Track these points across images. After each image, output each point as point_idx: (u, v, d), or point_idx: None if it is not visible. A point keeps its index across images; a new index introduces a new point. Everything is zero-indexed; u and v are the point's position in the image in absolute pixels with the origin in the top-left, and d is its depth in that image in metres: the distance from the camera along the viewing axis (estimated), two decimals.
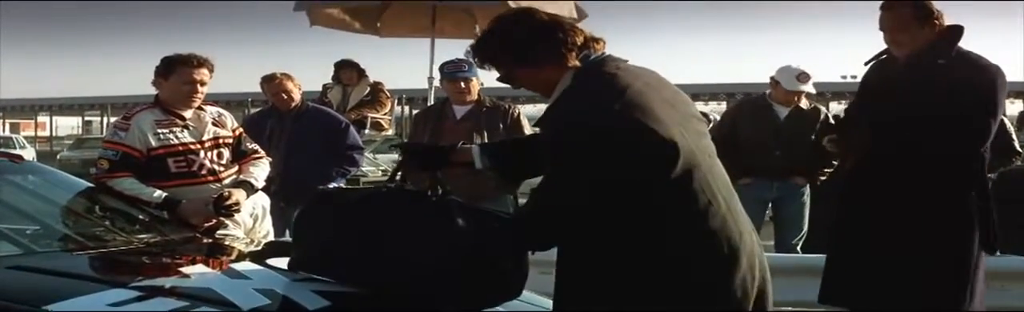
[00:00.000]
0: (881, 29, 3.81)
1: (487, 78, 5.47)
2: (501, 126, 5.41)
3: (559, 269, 2.62)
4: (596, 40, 2.63)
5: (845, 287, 3.81)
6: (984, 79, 3.68)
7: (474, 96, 5.48)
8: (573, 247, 2.60)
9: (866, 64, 3.98)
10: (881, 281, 3.68)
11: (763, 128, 5.81)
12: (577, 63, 2.57)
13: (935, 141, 3.64)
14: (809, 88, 5.92)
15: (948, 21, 3.76)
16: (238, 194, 3.89)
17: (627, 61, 2.65)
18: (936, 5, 3.77)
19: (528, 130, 5.58)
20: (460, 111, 5.50)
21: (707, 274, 2.54)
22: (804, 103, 6.02)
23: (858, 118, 3.95)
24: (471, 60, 2.74)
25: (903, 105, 3.72)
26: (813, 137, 5.74)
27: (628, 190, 2.47)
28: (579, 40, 2.57)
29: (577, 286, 2.59)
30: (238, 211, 3.89)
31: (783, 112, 5.93)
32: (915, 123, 3.65)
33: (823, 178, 5.90)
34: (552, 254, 2.67)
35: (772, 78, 5.98)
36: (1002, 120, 6.53)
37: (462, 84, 5.43)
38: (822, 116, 5.94)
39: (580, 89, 2.54)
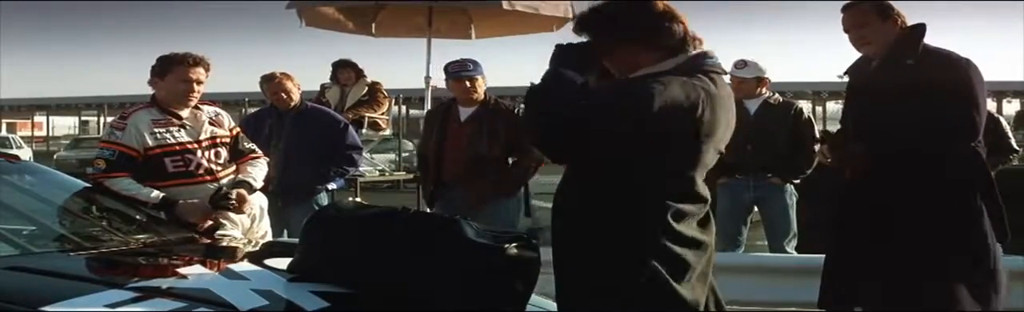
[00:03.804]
0: (845, 30, 3.83)
1: (491, 78, 5.53)
2: (504, 127, 5.41)
3: (557, 269, 2.67)
4: (695, 38, 2.75)
5: (850, 290, 3.78)
6: (957, 75, 3.66)
7: (480, 95, 5.49)
8: (568, 246, 2.65)
9: (843, 74, 3.99)
10: (901, 283, 3.64)
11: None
12: (675, 56, 2.70)
13: (925, 142, 3.63)
14: (745, 74, 5.92)
15: (940, 21, 3.78)
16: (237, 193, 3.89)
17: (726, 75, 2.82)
18: (908, 5, 3.81)
19: None
20: (465, 113, 5.51)
21: (685, 273, 2.63)
22: (775, 98, 6.03)
23: (848, 131, 3.96)
24: (579, 30, 2.78)
25: (884, 109, 3.72)
26: (791, 135, 5.80)
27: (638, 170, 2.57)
28: (678, 33, 2.71)
29: (578, 285, 2.64)
30: (234, 204, 3.87)
31: (752, 107, 5.93)
32: (901, 126, 3.65)
33: (797, 181, 5.91)
34: (551, 255, 2.69)
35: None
36: (998, 119, 6.60)
37: (468, 83, 5.44)
38: (794, 110, 5.99)
39: (664, 74, 2.63)
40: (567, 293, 2.66)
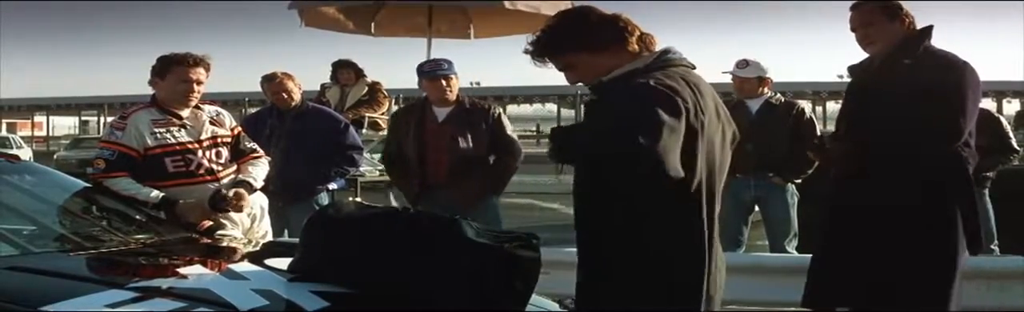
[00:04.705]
0: (852, 29, 3.84)
1: (491, 77, 5.54)
2: (483, 126, 5.41)
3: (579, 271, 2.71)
4: (648, 34, 2.79)
5: (834, 289, 3.79)
6: (950, 77, 3.65)
7: (454, 95, 5.48)
8: (588, 247, 2.69)
9: (848, 70, 4.00)
10: (871, 283, 3.66)
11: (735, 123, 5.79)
12: (636, 48, 2.74)
13: (906, 142, 3.63)
14: (747, 73, 5.95)
15: (940, 21, 3.78)
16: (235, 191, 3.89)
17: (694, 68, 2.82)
18: (911, 5, 3.80)
19: (509, 130, 5.58)
20: (441, 113, 5.49)
21: (691, 274, 2.67)
22: (777, 98, 6.05)
23: (837, 128, 3.96)
24: (528, 49, 2.80)
25: (873, 107, 3.73)
26: (792, 135, 5.80)
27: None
28: (636, 31, 2.76)
29: (592, 286, 2.68)
30: (232, 205, 3.87)
31: (754, 107, 5.96)
32: (887, 125, 3.65)
33: (799, 181, 5.92)
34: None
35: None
36: (998, 118, 6.59)
37: (443, 82, 5.43)
38: (796, 110, 5.99)
39: (650, 71, 2.67)
40: (607, 298, 2.67)
